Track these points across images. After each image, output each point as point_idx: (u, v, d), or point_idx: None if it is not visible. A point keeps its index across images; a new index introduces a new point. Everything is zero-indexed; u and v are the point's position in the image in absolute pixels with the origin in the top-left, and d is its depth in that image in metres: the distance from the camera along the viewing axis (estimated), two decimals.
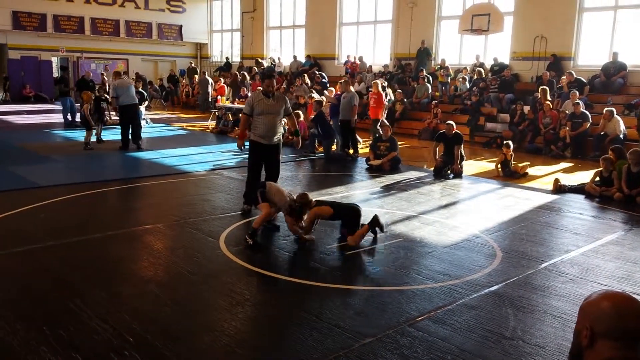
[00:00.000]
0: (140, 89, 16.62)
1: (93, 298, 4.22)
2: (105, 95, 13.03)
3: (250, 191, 6.76)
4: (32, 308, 4.07)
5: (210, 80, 21.60)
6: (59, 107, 17.59)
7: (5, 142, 12.26)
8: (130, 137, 11.90)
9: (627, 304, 1.65)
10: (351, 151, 11.78)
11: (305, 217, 5.80)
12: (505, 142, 10.34)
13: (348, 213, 5.90)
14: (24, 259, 5.09)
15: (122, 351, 3.44)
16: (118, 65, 23.24)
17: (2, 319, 3.84)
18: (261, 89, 6.81)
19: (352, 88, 12.72)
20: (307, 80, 18.92)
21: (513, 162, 9.99)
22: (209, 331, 3.84)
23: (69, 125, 15.80)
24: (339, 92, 11.87)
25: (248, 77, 20.85)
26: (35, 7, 23.43)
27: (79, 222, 6.44)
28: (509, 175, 9.74)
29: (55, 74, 25.30)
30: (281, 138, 7.00)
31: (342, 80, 12.65)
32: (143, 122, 16.26)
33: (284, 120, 7.79)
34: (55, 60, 25.79)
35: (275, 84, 6.93)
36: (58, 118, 16.94)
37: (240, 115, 7.30)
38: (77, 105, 15.11)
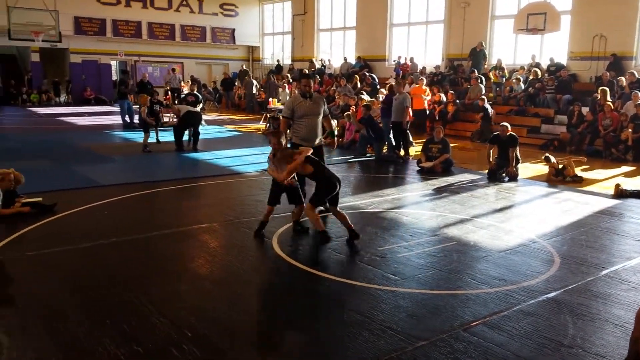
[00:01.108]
0: (194, 92, 17.09)
1: (153, 293, 4.37)
2: (158, 98, 13.36)
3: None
4: (96, 302, 4.25)
5: (255, 82, 21.92)
6: (117, 109, 18.25)
7: (68, 143, 12.82)
8: (191, 138, 12.39)
9: None
10: (402, 153, 11.70)
11: (287, 165, 5.62)
12: (545, 156, 10.05)
13: (323, 183, 5.69)
14: (89, 254, 5.32)
15: (182, 345, 3.55)
16: (175, 67, 23.84)
17: (69, 311, 4.03)
18: (297, 91, 6.83)
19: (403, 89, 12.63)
20: (357, 82, 18.94)
21: (564, 167, 9.65)
22: (261, 327, 3.91)
23: (128, 126, 16.36)
24: (387, 94, 11.79)
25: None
26: (95, 12, 24.43)
27: (138, 220, 6.67)
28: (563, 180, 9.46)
29: (114, 77, 26.29)
30: (322, 140, 6.95)
31: (393, 82, 12.56)
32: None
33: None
34: (114, 64, 26.78)
35: (312, 84, 6.84)
36: (117, 120, 17.56)
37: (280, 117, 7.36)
38: (135, 107, 15.65)
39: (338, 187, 5.71)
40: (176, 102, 18.98)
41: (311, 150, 5.85)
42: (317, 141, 6.75)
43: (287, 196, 6.04)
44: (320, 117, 6.77)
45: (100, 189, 8.10)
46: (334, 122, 14.07)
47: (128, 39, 25.44)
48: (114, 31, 24.96)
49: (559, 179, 9.52)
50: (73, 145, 12.44)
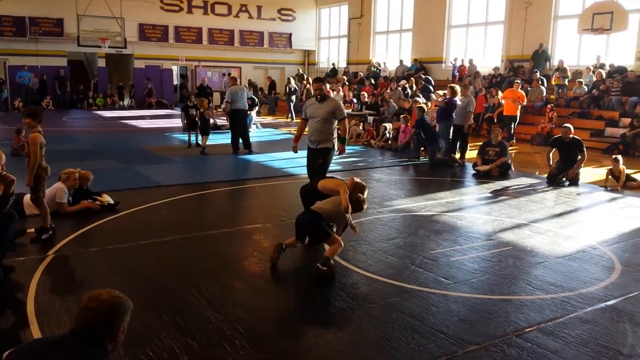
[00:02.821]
0: (251, 95, 17.41)
1: (208, 289, 4.51)
2: (194, 102, 13.27)
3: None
4: (154, 296, 4.43)
5: (295, 87, 22.00)
6: (178, 112, 18.82)
7: (131, 144, 13.34)
8: (241, 140, 12.39)
9: None
10: (457, 156, 11.51)
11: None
12: (614, 157, 9.45)
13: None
14: (148, 250, 5.54)
15: (234, 340, 3.65)
16: (233, 72, 24.30)
17: None
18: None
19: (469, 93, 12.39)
20: (413, 85, 18.78)
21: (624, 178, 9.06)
22: (314, 327, 3.96)
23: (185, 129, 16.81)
24: (448, 96, 11.63)
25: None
26: (159, 19, 25.29)
27: (195, 219, 6.89)
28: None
29: (175, 81, 27.13)
30: (331, 144, 6.85)
31: (457, 86, 12.28)
32: (253, 127, 17.00)
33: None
34: (175, 69, 27.62)
35: (325, 88, 6.95)
36: (177, 123, 18.11)
37: None
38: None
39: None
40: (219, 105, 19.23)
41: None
42: (319, 143, 6.82)
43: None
44: (326, 120, 6.75)
45: (161, 189, 8.40)
46: (389, 125, 14.09)
47: (189, 44, 26.20)
48: (175, 37, 25.77)
49: (612, 181, 9.07)
50: (135, 147, 12.94)
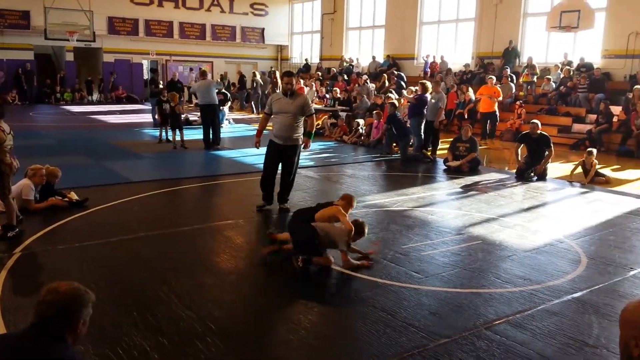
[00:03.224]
0: (223, 90, 17.26)
1: (179, 287, 4.46)
2: (167, 96, 13.05)
3: (263, 188, 6.93)
4: (124, 294, 4.37)
5: (261, 82, 21.97)
6: (148, 107, 18.56)
7: (100, 140, 13.12)
8: (210, 137, 12.24)
9: None
10: (429, 152, 11.63)
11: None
12: (588, 149, 9.65)
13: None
14: (117, 248, 5.46)
15: (205, 337, 3.63)
16: (205, 66, 23.98)
17: (96, 303, 4.13)
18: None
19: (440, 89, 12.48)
20: (386, 81, 18.88)
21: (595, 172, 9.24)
22: (286, 323, 3.96)
23: (158, 124, 16.60)
24: (419, 92, 11.73)
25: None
26: (128, 12, 24.86)
27: (166, 216, 6.81)
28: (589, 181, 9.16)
29: (146, 76, 26.75)
30: (299, 140, 6.77)
31: (428, 83, 12.37)
32: (226, 122, 16.88)
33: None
34: (145, 63, 27.22)
35: (294, 82, 6.74)
36: (148, 118, 17.87)
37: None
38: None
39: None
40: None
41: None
42: (290, 140, 6.66)
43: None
44: (296, 116, 6.61)
45: (131, 185, 8.28)
46: (361, 121, 14.15)
47: (160, 38, 25.82)
48: (146, 31, 25.37)
49: (577, 176, 9.23)
50: (105, 143, 12.72)
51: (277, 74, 18.71)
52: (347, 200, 5.44)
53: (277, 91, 7.36)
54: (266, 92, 21.28)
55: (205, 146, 12.21)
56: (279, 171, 7.00)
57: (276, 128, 6.72)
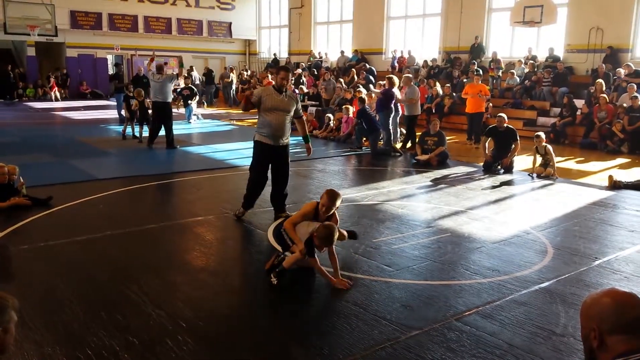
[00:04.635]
0: (190, 85, 17.05)
1: (148, 285, 4.39)
2: (131, 92, 12.81)
3: (250, 195, 6.28)
4: (92, 293, 4.27)
5: (232, 77, 21.93)
6: (113, 103, 18.22)
7: (64, 137, 12.83)
8: (166, 137, 11.39)
9: (625, 296, 1.68)
10: (409, 145, 11.79)
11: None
12: (536, 134, 9.62)
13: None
14: (84, 247, 5.34)
15: (176, 336, 3.58)
16: (172, 60, 23.58)
17: (64, 303, 4.05)
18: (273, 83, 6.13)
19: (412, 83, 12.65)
20: (354, 75, 18.92)
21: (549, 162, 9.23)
22: (258, 319, 3.94)
23: (124, 120, 16.31)
24: (386, 87, 11.81)
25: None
26: (91, 6, 24.32)
27: (134, 213, 6.69)
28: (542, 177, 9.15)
29: (111, 71, 26.23)
30: (289, 141, 6.33)
31: (390, 76, 12.51)
32: (194, 118, 16.69)
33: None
34: (110, 58, 26.69)
35: (290, 77, 6.19)
36: (113, 114, 17.54)
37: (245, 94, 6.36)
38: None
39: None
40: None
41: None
42: (283, 140, 6.17)
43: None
44: (290, 115, 6.16)
45: (96, 183, 8.11)
46: (331, 116, 14.16)
47: (124, 32, 25.37)
48: (110, 25, 24.88)
49: (539, 169, 9.30)
50: (69, 139, 12.44)
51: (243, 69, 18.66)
52: (324, 198, 4.83)
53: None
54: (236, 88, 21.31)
55: (148, 141, 11.58)
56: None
57: (269, 128, 6.02)
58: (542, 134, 9.56)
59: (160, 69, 11.61)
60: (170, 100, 11.57)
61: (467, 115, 13.50)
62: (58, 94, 23.69)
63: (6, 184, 6.62)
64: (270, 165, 6.29)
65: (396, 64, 20.17)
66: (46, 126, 15.14)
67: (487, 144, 9.97)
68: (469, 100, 13.21)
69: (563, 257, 5.27)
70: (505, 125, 9.81)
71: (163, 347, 3.44)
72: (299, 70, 21.65)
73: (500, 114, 10.20)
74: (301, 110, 6.40)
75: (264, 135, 6.08)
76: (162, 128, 11.45)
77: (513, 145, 9.67)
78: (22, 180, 6.84)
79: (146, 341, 3.52)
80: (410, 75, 13.57)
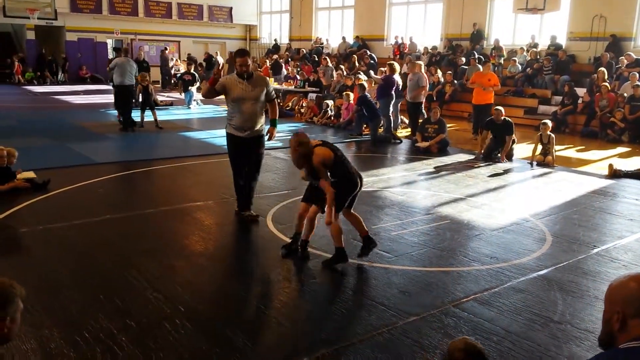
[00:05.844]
0: (191, 71, 16.96)
1: (147, 269, 4.40)
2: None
3: (239, 194, 5.91)
4: (90, 277, 4.28)
5: (221, 61, 21.74)
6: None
7: (64, 121, 12.77)
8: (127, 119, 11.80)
9: None
10: (399, 133, 11.70)
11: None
12: (543, 121, 9.59)
13: (344, 182, 4.69)
14: (83, 230, 5.34)
15: (174, 319, 3.59)
16: (172, 46, 23.38)
17: (63, 287, 4.06)
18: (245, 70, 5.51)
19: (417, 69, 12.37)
20: (355, 62, 18.80)
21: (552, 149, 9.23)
22: (256, 303, 3.95)
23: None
24: (387, 74, 11.75)
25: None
26: None
27: (133, 198, 6.69)
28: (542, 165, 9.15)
29: (110, 55, 26.06)
30: (264, 129, 5.82)
31: (391, 62, 12.43)
32: (194, 103, 16.62)
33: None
34: (110, 42, 26.51)
35: (249, 62, 5.54)
36: (112, 98, 17.43)
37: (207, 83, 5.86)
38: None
39: (359, 187, 4.74)
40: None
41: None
42: (255, 130, 5.67)
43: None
44: (260, 102, 5.66)
45: (95, 167, 8.09)
46: (331, 102, 14.10)
47: (124, 17, 25.15)
48: (110, 9, 24.65)
49: (539, 157, 9.30)
50: (68, 124, 12.40)
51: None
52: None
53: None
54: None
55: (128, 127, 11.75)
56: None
57: (238, 119, 5.60)
58: (548, 122, 9.53)
59: (125, 52, 12.41)
60: (131, 83, 11.94)
61: (473, 107, 12.15)
62: (20, 77, 23.46)
63: (5, 167, 6.60)
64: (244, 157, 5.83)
65: (399, 50, 19.99)
66: (45, 110, 15.07)
67: (487, 138, 9.87)
68: (476, 90, 11.93)
69: (561, 245, 5.27)
70: (502, 118, 9.73)
71: (161, 331, 3.45)
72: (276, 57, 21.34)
73: (497, 107, 10.03)
74: (273, 93, 5.88)
75: (233, 127, 5.67)
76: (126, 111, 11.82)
77: (507, 139, 9.60)
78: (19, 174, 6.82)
79: (144, 325, 3.53)
80: (421, 62, 13.13)
